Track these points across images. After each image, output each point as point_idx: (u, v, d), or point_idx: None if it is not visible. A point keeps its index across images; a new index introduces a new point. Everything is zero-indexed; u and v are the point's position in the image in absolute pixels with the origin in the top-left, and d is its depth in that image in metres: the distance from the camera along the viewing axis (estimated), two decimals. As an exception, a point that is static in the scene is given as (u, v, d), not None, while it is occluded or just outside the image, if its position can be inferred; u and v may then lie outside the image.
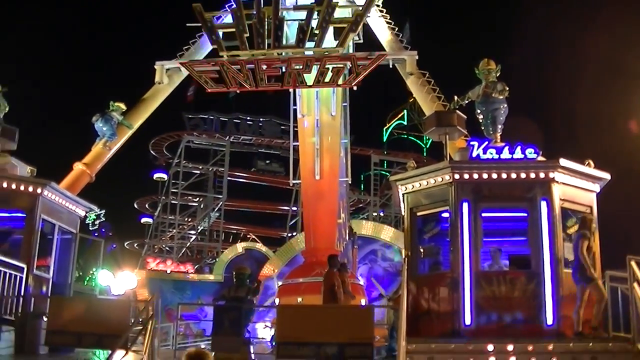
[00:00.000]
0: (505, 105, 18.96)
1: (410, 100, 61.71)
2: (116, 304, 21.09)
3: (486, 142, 17.79)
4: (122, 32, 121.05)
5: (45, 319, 18.21)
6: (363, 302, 30.20)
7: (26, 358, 17.00)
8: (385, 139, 72.75)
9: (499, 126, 18.82)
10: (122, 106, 27.53)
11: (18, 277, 18.68)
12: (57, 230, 21.06)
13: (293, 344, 16.08)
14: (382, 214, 68.01)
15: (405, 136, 72.47)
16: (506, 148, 17.49)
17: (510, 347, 14.96)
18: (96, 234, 44.58)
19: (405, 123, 71.62)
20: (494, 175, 17.13)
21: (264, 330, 32.94)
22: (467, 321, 16.16)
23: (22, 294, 18.80)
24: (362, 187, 71.66)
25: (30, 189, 19.85)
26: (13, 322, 18.34)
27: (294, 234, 60.08)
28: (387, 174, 64.80)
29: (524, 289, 16.34)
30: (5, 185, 19.64)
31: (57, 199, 20.81)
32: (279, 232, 72.67)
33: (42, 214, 20.04)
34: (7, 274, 18.17)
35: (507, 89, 18.96)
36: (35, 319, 18.39)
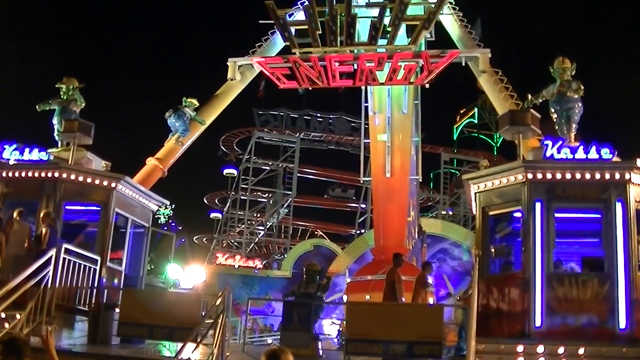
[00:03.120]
0: (580, 105, 18.70)
1: (481, 99, 61.27)
2: (187, 298, 21.30)
3: (560, 142, 17.54)
4: (196, 29, 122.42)
5: (117, 310, 18.53)
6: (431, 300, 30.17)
7: (99, 348, 17.25)
8: (455, 137, 72.45)
9: (574, 125, 18.61)
10: (195, 102, 27.69)
11: (92, 269, 19.10)
12: (130, 224, 21.39)
13: (362, 341, 16.14)
14: (450, 213, 67.67)
15: (476, 134, 72.02)
16: (581, 148, 17.21)
17: (581, 350, 14.79)
18: (166, 228, 45.03)
19: (476, 121, 71.23)
20: (568, 175, 16.84)
21: (330, 327, 33.08)
22: (538, 322, 15.93)
23: (95, 285, 19.18)
24: (431, 185, 71.37)
25: (105, 183, 20.23)
26: (87, 312, 18.75)
27: (363, 231, 60.09)
28: (457, 172, 64.56)
29: (597, 291, 16.02)
30: (81, 179, 20.02)
31: (130, 193, 21.16)
32: (347, 229, 72.79)
33: (116, 207, 20.41)
34: (82, 266, 18.58)
35: (583, 87, 18.69)
36: (108, 310, 18.71)
